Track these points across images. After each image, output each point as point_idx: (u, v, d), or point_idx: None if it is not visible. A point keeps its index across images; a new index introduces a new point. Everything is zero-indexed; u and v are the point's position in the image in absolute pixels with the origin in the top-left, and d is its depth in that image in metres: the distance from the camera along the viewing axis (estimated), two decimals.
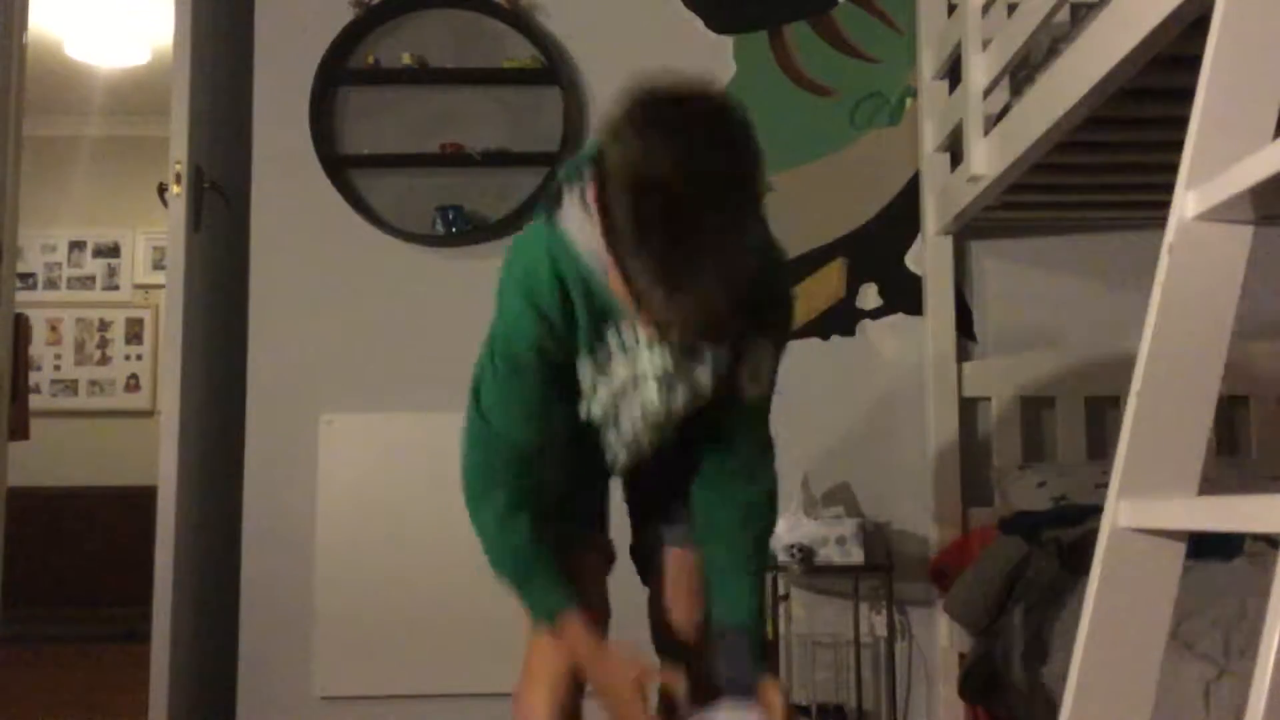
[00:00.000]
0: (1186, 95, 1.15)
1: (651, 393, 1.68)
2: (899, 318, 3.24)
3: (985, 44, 2.66)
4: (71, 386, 6.10)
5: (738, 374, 1.70)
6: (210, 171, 3.27)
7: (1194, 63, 1.16)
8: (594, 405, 1.71)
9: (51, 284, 6.16)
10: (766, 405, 1.78)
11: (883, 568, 2.90)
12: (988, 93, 2.67)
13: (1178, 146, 1.15)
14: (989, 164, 2.64)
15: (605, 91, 3.27)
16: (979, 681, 2.56)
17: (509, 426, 1.69)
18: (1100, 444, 3.18)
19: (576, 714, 1.83)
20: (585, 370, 1.68)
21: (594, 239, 1.49)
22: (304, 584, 3.10)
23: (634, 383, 1.69)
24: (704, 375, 1.69)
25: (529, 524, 1.73)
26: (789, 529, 2.92)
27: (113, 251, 6.21)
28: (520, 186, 3.23)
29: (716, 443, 1.80)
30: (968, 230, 3.18)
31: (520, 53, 3.30)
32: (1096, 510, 1.19)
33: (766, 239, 1.64)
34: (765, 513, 1.83)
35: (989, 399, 3.19)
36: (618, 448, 1.78)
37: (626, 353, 1.66)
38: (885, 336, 3.24)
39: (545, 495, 1.76)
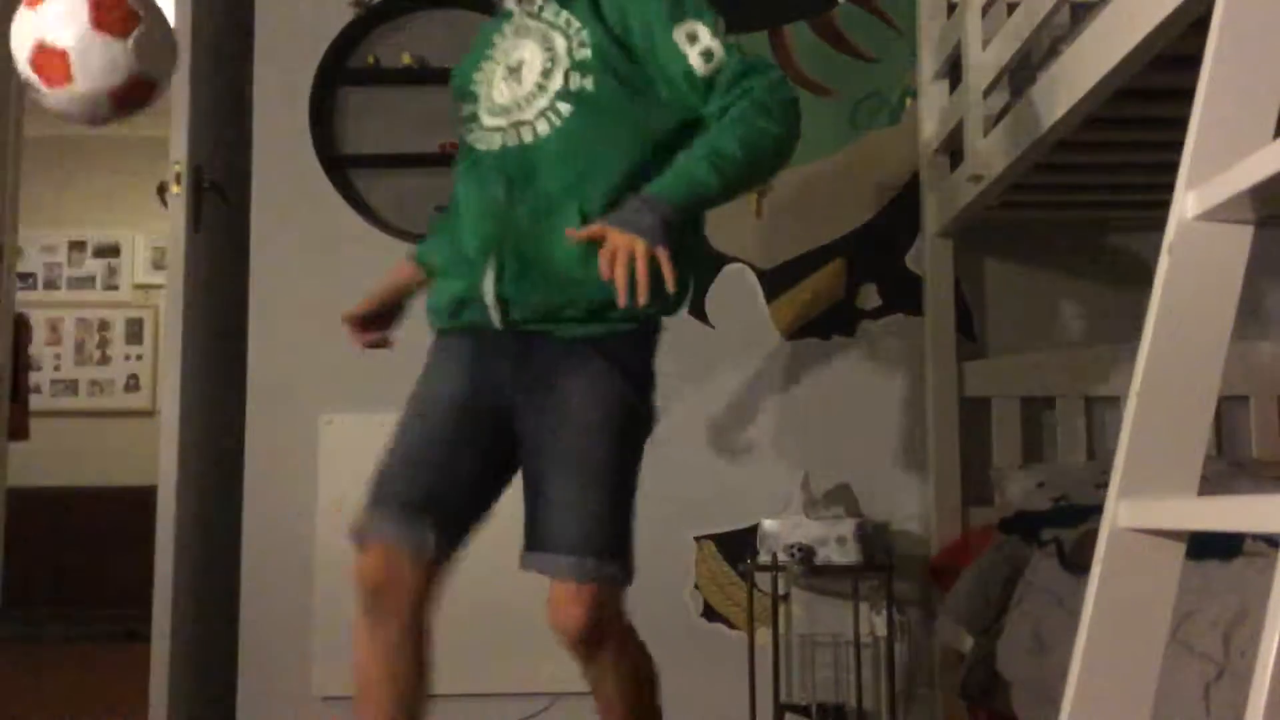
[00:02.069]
0: (1186, 95, 1.15)
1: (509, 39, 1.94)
2: (899, 318, 3.24)
3: (985, 44, 2.66)
4: (71, 386, 6.11)
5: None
6: (210, 171, 3.27)
7: (1194, 63, 1.16)
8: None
9: (51, 284, 6.17)
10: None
11: (883, 568, 2.90)
12: (988, 93, 2.67)
13: (1178, 146, 1.15)
14: (989, 164, 2.64)
15: None
16: (979, 681, 2.56)
17: None
18: (1100, 444, 3.18)
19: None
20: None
21: None
22: (304, 584, 3.10)
23: (502, 51, 1.94)
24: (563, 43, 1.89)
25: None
26: (789, 529, 2.92)
27: (113, 251, 6.22)
28: None
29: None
30: (968, 230, 3.18)
31: None
32: (1096, 510, 1.20)
33: None
34: (752, 116, 1.88)
35: (989, 399, 3.20)
36: (481, 113, 1.92)
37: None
38: (885, 336, 3.24)
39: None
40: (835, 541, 2.87)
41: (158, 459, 3.16)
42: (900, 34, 3.31)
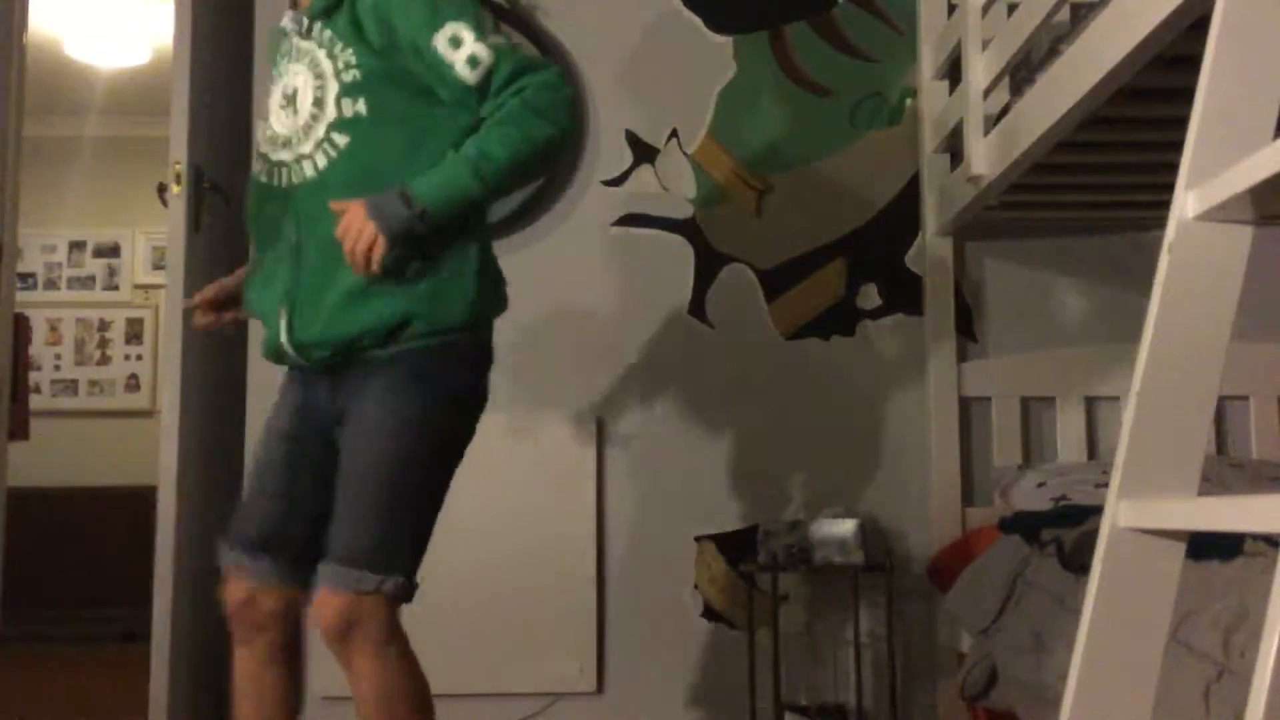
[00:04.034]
0: (1186, 95, 1.15)
1: (285, 70, 1.91)
2: (899, 318, 3.24)
3: (985, 44, 2.66)
4: (71, 386, 6.11)
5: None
6: (210, 171, 3.27)
7: (1194, 63, 1.16)
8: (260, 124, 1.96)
9: (51, 284, 6.16)
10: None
11: (883, 568, 2.90)
12: (988, 93, 2.67)
13: (1178, 146, 1.15)
14: (989, 164, 2.64)
15: (605, 91, 3.27)
16: (979, 681, 2.56)
17: None
18: (1100, 444, 3.18)
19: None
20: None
21: None
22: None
23: (280, 73, 1.93)
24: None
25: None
26: (789, 529, 2.92)
27: (113, 251, 6.21)
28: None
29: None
30: (968, 230, 3.18)
31: None
32: (1096, 510, 1.20)
33: None
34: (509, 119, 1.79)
35: (989, 399, 3.20)
36: (266, 146, 1.92)
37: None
38: (885, 336, 3.24)
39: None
40: (835, 541, 2.87)
41: (158, 459, 3.16)
42: (900, 34, 3.31)
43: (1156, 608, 1.14)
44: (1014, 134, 2.47)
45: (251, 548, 1.90)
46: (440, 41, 1.79)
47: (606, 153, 3.25)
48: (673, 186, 3.26)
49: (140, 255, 6.19)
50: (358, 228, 1.75)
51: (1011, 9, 2.50)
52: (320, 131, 1.84)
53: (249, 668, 1.95)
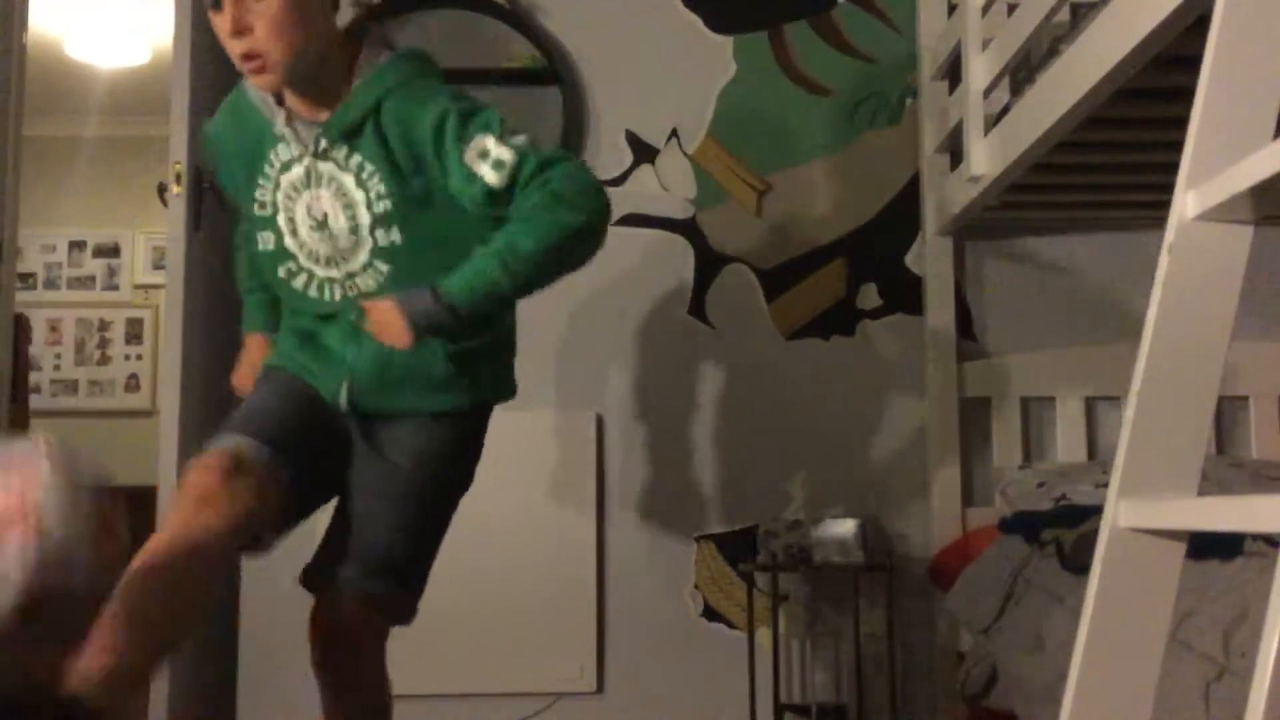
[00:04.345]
0: (1186, 95, 1.15)
1: (308, 198, 1.88)
2: (899, 318, 3.24)
3: (985, 44, 2.66)
4: (71, 386, 6.10)
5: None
6: (210, 171, 3.27)
7: (1194, 63, 1.16)
8: (264, 234, 1.95)
9: (51, 284, 6.16)
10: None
11: (883, 568, 2.90)
12: (988, 93, 2.67)
13: (1178, 146, 1.15)
14: (989, 164, 2.64)
15: (605, 91, 3.27)
16: (979, 681, 2.56)
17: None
18: (1100, 444, 3.18)
19: None
20: (249, 203, 1.96)
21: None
22: None
23: (295, 190, 1.89)
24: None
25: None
26: (789, 529, 2.92)
27: (113, 251, 6.21)
28: None
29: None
30: (968, 230, 3.18)
31: (520, 53, 3.30)
32: (1096, 510, 1.20)
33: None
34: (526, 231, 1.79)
35: (989, 399, 3.19)
36: (306, 262, 1.91)
37: (285, 167, 1.90)
38: (885, 336, 3.24)
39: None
40: (835, 541, 2.87)
41: (158, 459, 3.16)
42: (900, 34, 3.31)
43: (1156, 608, 1.14)
44: (1014, 134, 2.47)
45: (260, 438, 1.83)
46: (470, 156, 1.78)
47: (606, 153, 3.25)
48: (673, 186, 3.26)
49: (140, 255, 6.18)
50: (385, 321, 1.78)
51: (1011, 9, 2.50)
52: (363, 257, 1.87)
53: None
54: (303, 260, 1.92)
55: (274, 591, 3.16)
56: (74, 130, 5.91)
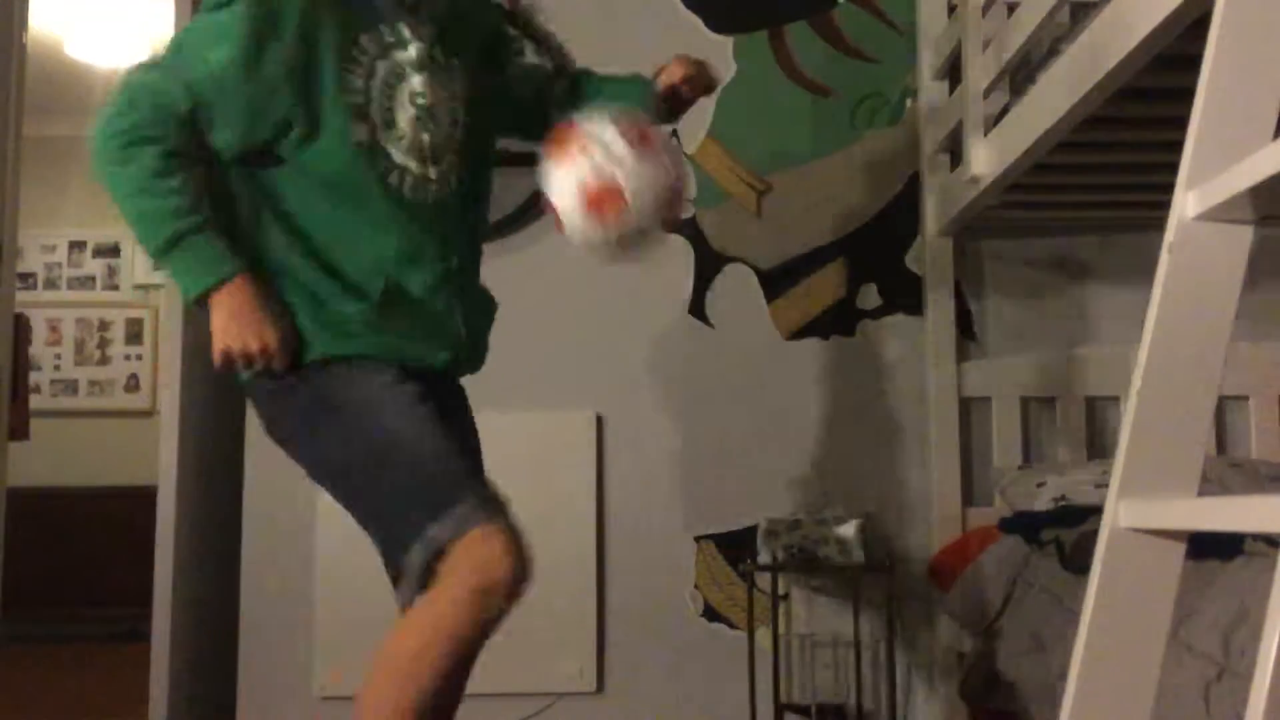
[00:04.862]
0: (1186, 95, 1.15)
1: (418, 83, 1.76)
2: (899, 318, 3.24)
3: (985, 44, 2.66)
4: (71, 386, 6.10)
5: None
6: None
7: (1194, 63, 1.16)
8: (358, 125, 1.72)
9: (51, 284, 6.16)
10: None
11: (883, 568, 2.90)
12: (988, 93, 2.67)
13: (1178, 146, 1.15)
14: (989, 164, 2.64)
15: None
16: (979, 681, 2.56)
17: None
18: (1100, 444, 3.18)
19: None
20: (335, 91, 1.70)
21: None
22: (304, 584, 3.10)
23: (396, 76, 1.76)
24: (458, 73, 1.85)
25: (188, 182, 1.68)
26: (789, 529, 2.92)
27: (113, 251, 6.21)
28: (519, 187, 3.23)
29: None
30: (968, 230, 3.18)
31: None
32: (1096, 510, 1.20)
33: None
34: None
35: (989, 399, 3.19)
36: (402, 157, 1.75)
37: (384, 50, 1.76)
38: (885, 336, 3.24)
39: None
40: (835, 541, 2.87)
41: (158, 459, 3.16)
42: (900, 34, 3.31)
43: (1156, 608, 1.14)
44: (1014, 134, 2.47)
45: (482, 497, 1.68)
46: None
47: None
48: None
49: (140, 255, 6.18)
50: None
51: (1011, 9, 2.50)
52: (452, 156, 1.82)
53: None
54: (398, 155, 1.75)
55: (274, 591, 3.16)
56: (74, 130, 5.88)
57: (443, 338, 1.82)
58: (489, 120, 1.95)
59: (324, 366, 1.72)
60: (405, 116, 1.75)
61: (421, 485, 1.66)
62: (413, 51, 1.77)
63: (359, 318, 1.73)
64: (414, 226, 1.77)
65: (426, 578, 1.62)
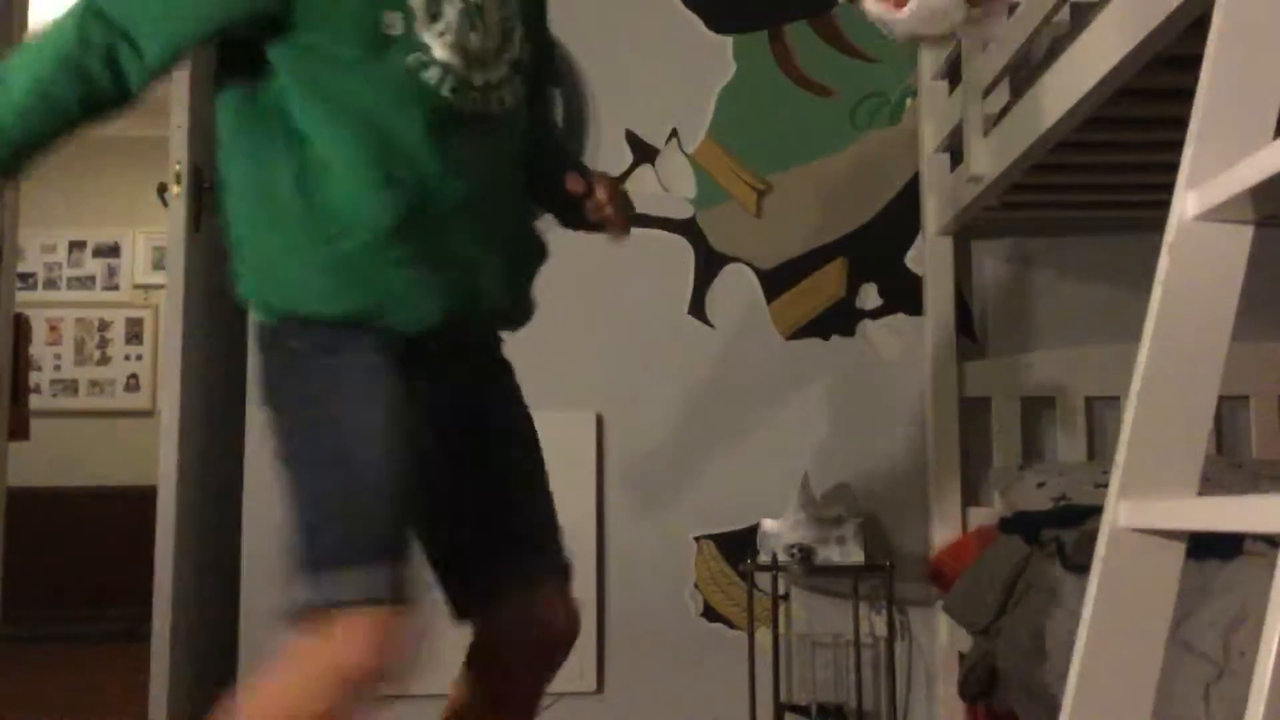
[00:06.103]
0: (1186, 95, 1.15)
1: None
2: (899, 318, 3.24)
3: (985, 44, 2.66)
4: (71, 386, 6.11)
5: None
6: (210, 171, 3.27)
7: (1194, 63, 1.16)
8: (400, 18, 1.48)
9: (51, 284, 6.17)
10: None
11: (883, 568, 2.90)
12: (988, 93, 2.67)
13: (1178, 146, 1.15)
14: (989, 164, 2.64)
15: (605, 91, 3.27)
16: (979, 681, 2.56)
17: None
18: (1100, 444, 3.18)
19: None
20: None
21: None
22: None
23: None
24: None
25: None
26: (789, 529, 2.92)
27: (113, 251, 6.22)
28: None
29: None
30: (968, 230, 3.18)
31: None
32: (1096, 510, 1.20)
33: None
34: None
35: (989, 399, 3.19)
36: (444, 53, 1.50)
37: None
38: (885, 336, 3.24)
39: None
40: (835, 541, 2.87)
41: (158, 459, 3.16)
42: None
43: (1156, 608, 1.14)
44: (1014, 134, 2.47)
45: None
46: None
47: (606, 153, 3.25)
48: (673, 186, 3.26)
49: (140, 255, 6.19)
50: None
51: (1011, 9, 2.50)
52: (504, 68, 1.58)
53: None
54: (438, 51, 1.49)
55: (274, 591, 3.16)
56: None
57: (461, 289, 1.59)
58: (536, 74, 1.71)
59: (309, 330, 1.56)
60: (452, 9, 1.51)
61: (348, 517, 1.44)
62: None
63: (364, 251, 1.49)
64: (455, 139, 1.53)
65: (300, 617, 1.46)
